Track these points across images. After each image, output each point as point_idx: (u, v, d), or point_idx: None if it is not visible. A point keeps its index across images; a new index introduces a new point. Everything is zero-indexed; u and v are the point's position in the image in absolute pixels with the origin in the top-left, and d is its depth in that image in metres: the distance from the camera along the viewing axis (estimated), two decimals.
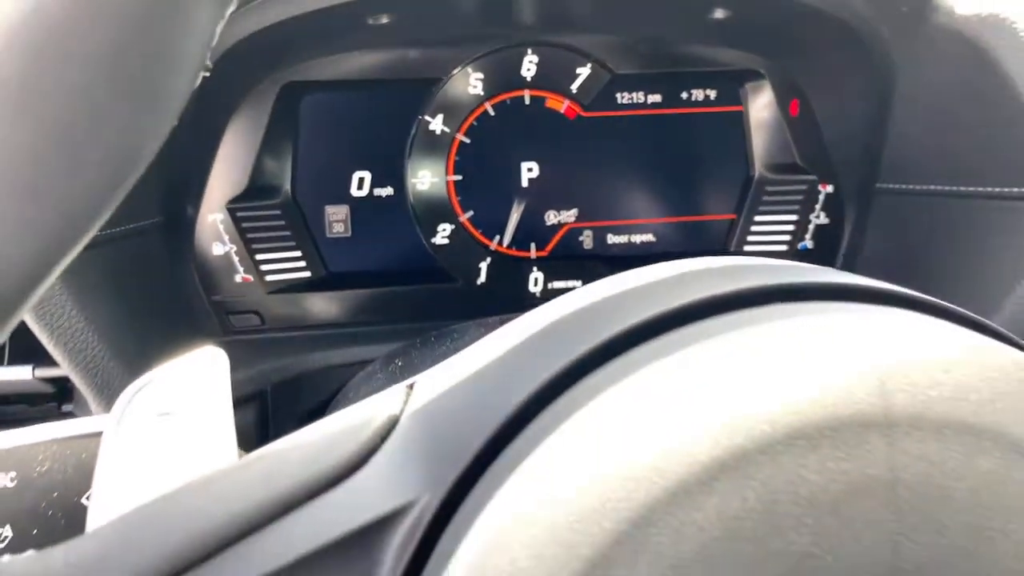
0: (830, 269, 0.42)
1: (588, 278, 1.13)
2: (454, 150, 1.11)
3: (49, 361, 0.78)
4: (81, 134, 0.28)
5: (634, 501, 0.30)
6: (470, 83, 1.10)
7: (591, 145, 1.14)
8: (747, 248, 1.18)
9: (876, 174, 1.11)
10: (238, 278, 1.05)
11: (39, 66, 0.27)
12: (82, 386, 0.77)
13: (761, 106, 1.17)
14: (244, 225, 1.05)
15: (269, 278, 1.07)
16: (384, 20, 0.98)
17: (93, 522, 0.44)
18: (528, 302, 1.12)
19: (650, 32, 1.12)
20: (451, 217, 1.12)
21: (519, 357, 0.39)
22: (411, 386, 0.41)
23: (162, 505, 0.36)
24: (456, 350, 0.43)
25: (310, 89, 1.07)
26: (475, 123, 1.11)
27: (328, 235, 1.09)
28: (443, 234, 1.12)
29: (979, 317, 0.38)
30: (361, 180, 1.09)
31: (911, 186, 1.05)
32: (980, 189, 0.91)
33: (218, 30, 0.31)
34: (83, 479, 0.50)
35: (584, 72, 1.13)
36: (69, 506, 0.50)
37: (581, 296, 0.42)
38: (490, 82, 1.10)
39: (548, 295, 1.14)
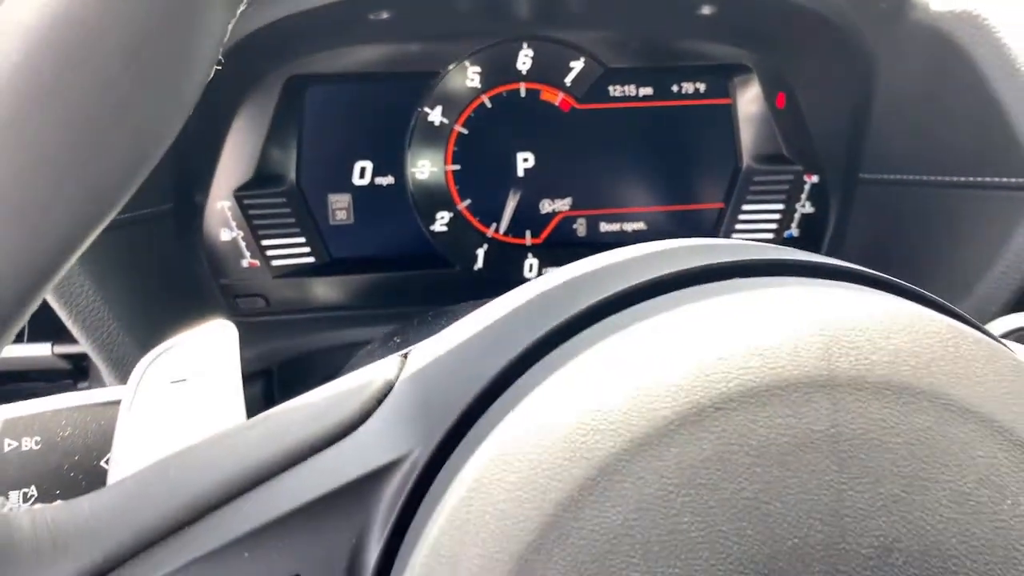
0: (788, 248, 0.45)
1: None
2: (452, 141, 1.14)
3: (66, 340, 0.81)
4: (107, 120, 0.31)
5: (602, 450, 0.33)
6: (468, 76, 1.13)
7: (584, 136, 1.17)
8: (735, 236, 1.21)
9: (859, 165, 1.13)
10: (245, 263, 1.08)
11: (71, 60, 0.29)
12: (98, 361, 0.80)
13: (749, 99, 1.20)
14: (251, 212, 1.07)
15: (275, 263, 1.10)
16: (384, 16, 1.01)
17: (113, 481, 0.47)
18: None
19: (641, 27, 1.15)
20: (449, 205, 1.15)
21: (503, 328, 0.42)
22: (406, 355, 0.44)
23: (178, 459, 0.39)
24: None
25: (314, 82, 1.09)
26: (473, 115, 1.14)
27: (331, 222, 1.12)
28: (442, 221, 1.15)
29: (919, 289, 0.41)
30: (363, 169, 1.12)
31: (892, 176, 1.07)
32: (955, 179, 0.94)
33: (230, 28, 0.33)
34: (102, 443, 0.53)
35: (577, 66, 1.15)
36: (89, 468, 0.53)
37: (559, 274, 0.45)
38: (487, 75, 1.13)
39: None
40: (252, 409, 0.49)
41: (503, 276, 1.16)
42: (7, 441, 0.51)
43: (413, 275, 1.13)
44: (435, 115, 1.12)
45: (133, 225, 0.86)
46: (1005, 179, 0.85)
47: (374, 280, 1.12)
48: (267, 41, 0.95)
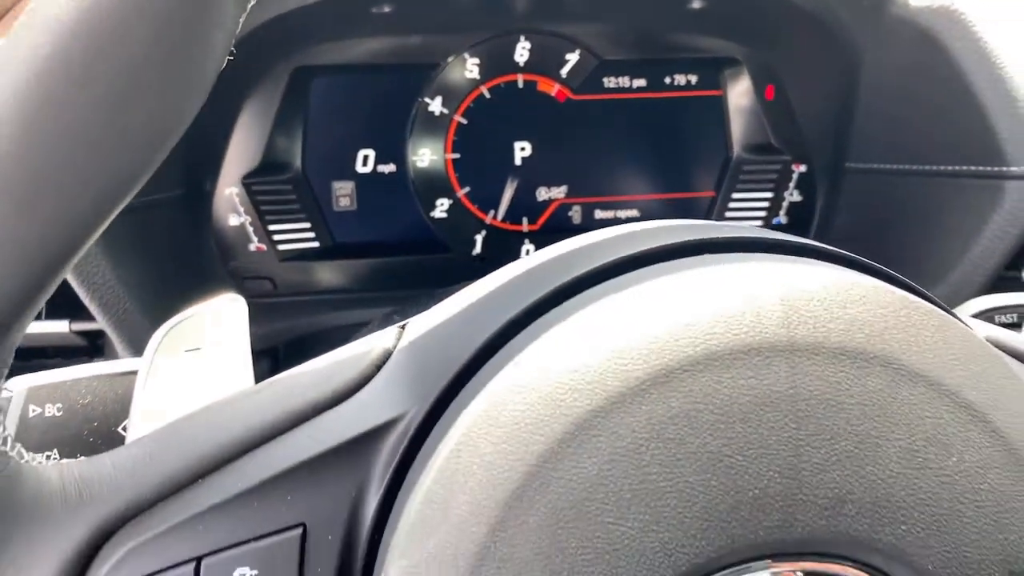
0: (758, 228, 0.48)
1: None
2: (452, 130, 1.16)
3: (82, 318, 0.84)
4: (130, 106, 0.33)
5: (579, 407, 0.36)
6: (467, 68, 1.15)
7: (580, 126, 1.19)
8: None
9: (845, 155, 1.16)
10: (252, 247, 1.11)
11: (98, 51, 0.32)
12: (114, 336, 0.83)
13: (739, 91, 1.22)
14: (258, 198, 1.10)
15: (281, 247, 1.12)
16: (387, 9, 1.03)
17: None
18: None
19: (635, 21, 1.17)
20: (449, 193, 1.17)
21: (492, 301, 0.45)
22: (403, 327, 0.47)
23: (193, 419, 0.42)
24: None
25: (318, 73, 1.12)
26: (472, 105, 1.16)
27: (335, 208, 1.14)
28: (441, 208, 1.17)
29: (876, 264, 0.44)
30: (366, 157, 1.14)
31: (876, 166, 1.10)
32: (934, 168, 0.96)
33: (241, 20, 0.36)
34: (120, 411, 0.55)
35: (573, 58, 1.17)
36: (107, 434, 0.56)
37: (543, 252, 0.48)
38: (486, 67, 1.15)
39: None
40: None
41: (500, 261, 1.18)
42: (31, 407, 0.54)
43: (413, 260, 1.16)
44: (435, 105, 1.15)
45: (147, 209, 0.88)
46: (980, 168, 0.88)
47: (376, 264, 1.14)
48: (274, 34, 0.98)
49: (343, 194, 1.14)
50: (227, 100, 1.06)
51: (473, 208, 1.18)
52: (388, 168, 1.15)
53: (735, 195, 1.23)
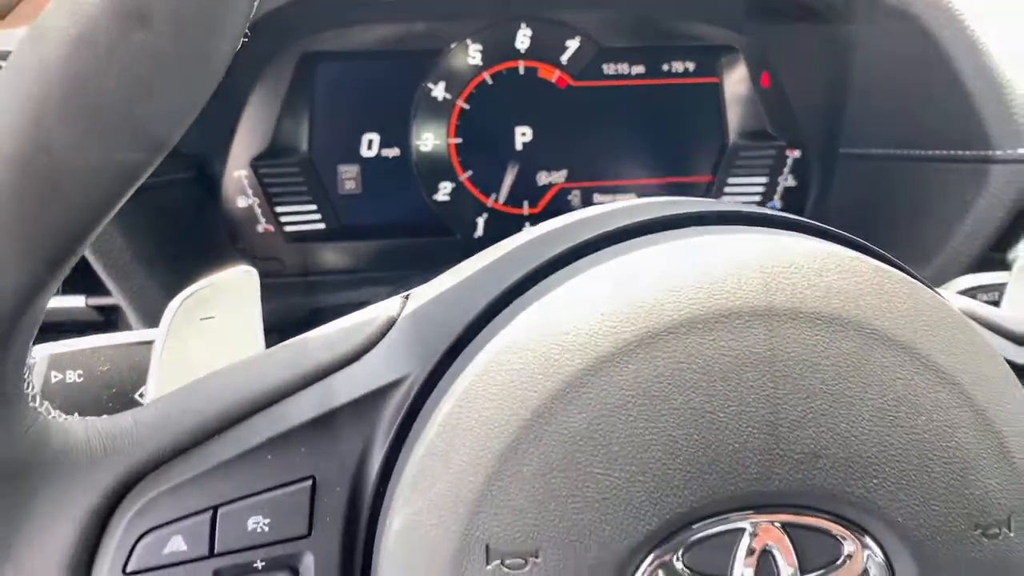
0: (741, 204, 0.50)
1: None
2: (455, 115, 1.18)
3: (98, 293, 0.86)
4: (152, 83, 0.35)
5: (571, 366, 0.38)
6: (469, 54, 1.17)
7: (580, 112, 1.21)
8: None
9: (838, 140, 1.17)
10: (260, 228, 1.13)
11: (121, 30, 0.34)
12: (129, 310, 0.86)
13: (735, 78, 1.24)
14: (266, 181, 1.12)
15: (288, 229, 1.14)
16: None
17: None
18: None
19: (634, 8, 1.19)
20: (452, 176, 1.19)
21: (490, 271, 0.47)
22: (407, 296, 0.49)
23: (209, 381, 0.44)
24: None
25: (325, 59, 1.13)
26: (474, 91, 1.18)
27: (341, 191, 1.16)
28: (444, 192, 1.19)
29: (853, 237, 0.46)
30: (370, 142, 1.16)
31: (869, 151, 1.12)
32: (923, 153, 0.98)
33: (255, 5, 0.38)
34: (137, 379, 0.58)
35: (573, 45, 1.19)
36: (126, 401, 0.58)
37: (540, 227, 0.50)
38: (488, 53, 1.17)
39: None
40: None
41: None
42: (53, 373, 0.56)
43: (417, 242, 1.18)
44: (438, 91, 1.17)
45: (159, 189, 0.90)
46: (966, 152, 0.90)
47: (380, 246, 1.16)
48: (281, 21, 1.00)
49: (348, 177, 1.16)
50: (236, 85, 1.08)
51: (475, 192, 1.20)
52: (392, 152, 1.17)
53: (731, 180, 1.25)
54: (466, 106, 1.18)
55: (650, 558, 0.38)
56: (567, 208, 1.22)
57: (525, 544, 0.37)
